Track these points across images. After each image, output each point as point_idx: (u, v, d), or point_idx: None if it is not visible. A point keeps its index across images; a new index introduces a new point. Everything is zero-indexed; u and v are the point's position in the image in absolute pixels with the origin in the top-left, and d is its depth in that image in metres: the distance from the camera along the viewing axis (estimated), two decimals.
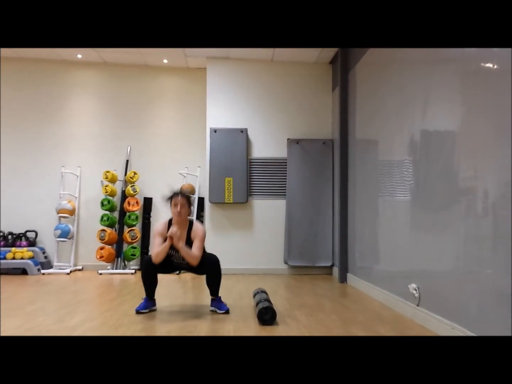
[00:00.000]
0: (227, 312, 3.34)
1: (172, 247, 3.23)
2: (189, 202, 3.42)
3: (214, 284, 3.39)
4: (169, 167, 6.27)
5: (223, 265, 5.72)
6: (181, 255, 3.23)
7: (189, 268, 3.36)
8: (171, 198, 3.40)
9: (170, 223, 3.41)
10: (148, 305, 3.39)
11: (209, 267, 3.34)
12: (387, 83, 3.87)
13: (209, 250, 5.78)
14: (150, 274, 3.33)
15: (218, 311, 3.37)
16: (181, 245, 3.18)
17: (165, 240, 3.23)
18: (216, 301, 3.42)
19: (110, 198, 5.91)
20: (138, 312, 3.30)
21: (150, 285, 3.37)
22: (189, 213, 3.51)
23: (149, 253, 3.39)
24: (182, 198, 3.36)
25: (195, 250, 3.26)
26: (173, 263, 3.39)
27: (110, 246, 5.79)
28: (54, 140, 6.22)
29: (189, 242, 3.33)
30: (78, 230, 6.13)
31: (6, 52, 5.95)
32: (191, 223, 3.42)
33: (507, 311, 2.09)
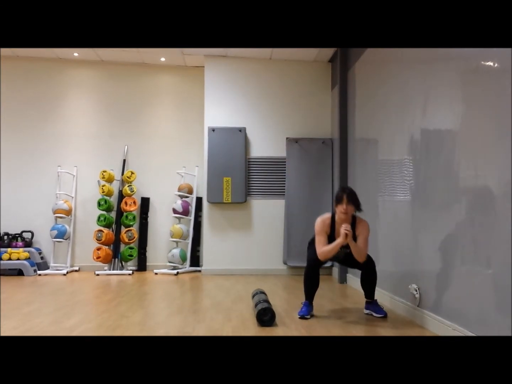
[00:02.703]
0: (385, 316, 3.22)
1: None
2: (355, 201, 3.20)
3: (370, 286, 3.32)
4: (167, 167, 6.23)
5: (221, 266, 5.68)
6: (351, 251, 3.13)
7: (349, 263, 3.31)
8: (337, 197, 3.21)
9: (333, 219, 3.25)
10: (310, 309, 3.27)
11: (367, 267, 3.27)
12: (387, 82, 3.84)
13: (207, 250, 5.83)
14: (315, 273, 3.26)
15: (375, 314, 3.26)
16: (352, 241, 3.10)
17: (329, 237, 3.19)
18: (373, 304, 3.33)
19: (107, 198, 5.86)
20: (302, 317, 3.17)
21: (312, 286, 3.29)
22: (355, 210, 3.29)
23: (312, 256, 3.29)
24: (348, 198, 3.14)
25: (362, 246, 3.16)
26: (334, 259, 3.33)
27: (107, 247, 5.74)
28: (50, 140, 6.16)
29: (352, 237, 3.16)
30: (74, 231, 6.08)
31: (3, 50, 5.89)
32: (354, 217, 3.26)
33: (508, 311, 2.06)
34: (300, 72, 5.97)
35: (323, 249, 3.17)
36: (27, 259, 5.58)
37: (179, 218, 5.94)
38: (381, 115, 3.97)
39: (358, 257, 3.15)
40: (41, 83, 6.20)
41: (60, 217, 5.85)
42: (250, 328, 2.89)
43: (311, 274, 3.27)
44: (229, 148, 5.76)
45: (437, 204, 2.85)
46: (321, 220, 3.27)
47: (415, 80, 3.23)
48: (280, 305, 3.61)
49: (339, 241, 3.10)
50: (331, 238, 3.22)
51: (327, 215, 3.32)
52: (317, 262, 3.23)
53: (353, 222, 3.23)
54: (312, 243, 3.35)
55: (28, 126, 6.14)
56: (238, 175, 5.72)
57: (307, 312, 3.22)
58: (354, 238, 3.18)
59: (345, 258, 3.29)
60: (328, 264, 5.61)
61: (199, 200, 6.13)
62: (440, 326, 2.73)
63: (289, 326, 2.96)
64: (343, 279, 5.03)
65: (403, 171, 3.42)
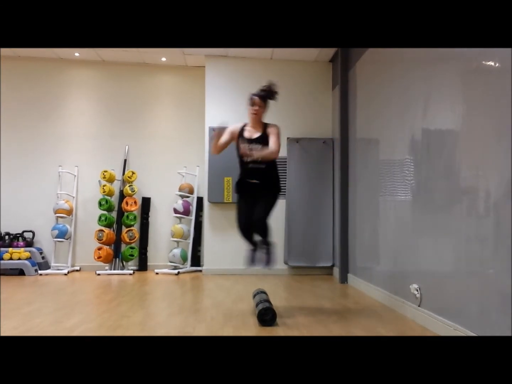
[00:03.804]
0: (266, 266, 3.30)
1: (246, 142, 3.32)
2: (266, 103, 3.40)
3: (260, 230, 3.38)
4: (168, 167, 6.23)
5: (222, 266, 5.64)
6: (261, 155, 3.25)
7: (260, 178, 3.34)
8: (249, 100, 3.40)
9: (244, 126, 3.45)
10: (254, 254, 3.39)
11: (259, 222, 3.33)
12: (387, 82, 3.84)
13: (208, 250, 5.83)
14: (248, 233, 3.37)
15: (262, 264, 3.33)
16: (262, 154, 3.28)
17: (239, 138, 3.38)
18: (265, 250, 3.36)
19: (108, 198, 5.86)
20: (251, 265, 3.37)
21: (249, 238, 3.39)
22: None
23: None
24: (259, 98, 3.36)
25: (272, 144, 3.31)
26: (247, 171, 3.35)
27: (108, 247, 5.75)
28: (51, 140, 6.17)
29: (265, 144, 3.32)
30: (75, 230, 6.09)
31: (3, 50, 5.89)
32: (266, 125, 3.42)
33: (508, 311, 2.06)
34: (301, 72, 5.96)
35: (218, 141, 3.45)
36: (28, 258, 5.58)
37: (180, 218, 5.94)
38: (382, 115, 3.97)
39: (270, 156, 3.30)
40: (42, 83, 6.20)
41: (61, 217, 5.86)
42: (251, 328, 2.88)
43: (245, 234, 3.40)
44: (230, 148, 5.74)
45: (438, 204, 2.85)
46: (233, 126, 3.49)
47: (415, 80, 3.22)
48: (281, 305, 3.61)
49: (226, 139, 3.44)
50: (239, 143, 3.40)
51: (241, 123, 3.49)
52: (247, 225, 3.37)
53: (265, 127, 3.40)
54: (238, 204, 3.47)
55: (29, 126, 6.14)
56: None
57: (253, 259, 3.37)
58: (266, 140, 3.32)
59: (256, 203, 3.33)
60: (329, 264, 5.63)
61: (200, 200, 6.13)
62: (441, 326, 2.72)
63: (290, 326, 2.96)
64: (344, 279, 5.03)
65: (404, 171, 3.41)
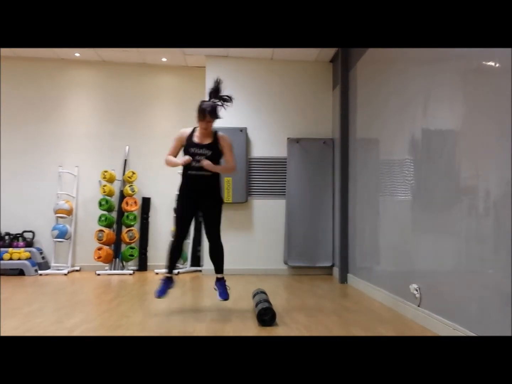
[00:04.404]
0: (224, 300, 3.34)
1: (195, 146, 3.31)
2: (216, 114, 3.40)
3: (217, 261, 3.51)
4: (168, 167, 6.21)
5: None
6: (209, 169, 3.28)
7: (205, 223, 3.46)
8: (199, 107, 3.39)
9: (194, 131, 3.42)
10: (169, 285, 3.41)
11: (214, 241, 3.49)
12: (388, 82, 3.84)
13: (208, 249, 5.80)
14: (179, 247, 3.47)
15: (217, 296, 3.36)
16: (218, 166, 3.35)
17: (182, 147, 3.38)
18: (221, 283, 3.42)
19: (108, 198, 5.87)
20: (159, 297, 3.36)
21: (176, 258, 3.49)
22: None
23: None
24: (210, 111, 3.34)
25: (230, 162, 3.43)
26: (192, 177, 3.33)
27: (108, 247, 5.75)
28: (51, 140, 6.17)
29: (215, 151, 3.34)
30: (75, 231, 6.08)
31: (4, 50, 5.90)
32: (215, 133, 3.42)
33: (508, 311, 2.06)
34: (301, 72, 5.96)
35: (168, 157, 3.50)
36: (28, 259, 5.58)
37: None
38: (382, 115, 3.97)
39: (228, 172, 3.56)
40: (42, 83, 6.21)
41: (61, 217, 5.86)
42: (251, 328, 2.89)
43: (176, 248, 3.50)
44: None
45: (438, 203, 2.85)
46: (181, 131, 3.48)
47: (416, 80, 3.22)
48: (280, 305, 3.61)
49: (178, 161, 3.39)
50: (188, 147, 3.36)
51: (190, 128, 3.48)
52: (182, 238, 3.48)
53: (215, 136, 3.40)
54: (178, 210, 3.50)
55: (30, 126, 6.14)
56: (239, 175, 5.71)
57: (163, 292, 3.37)
58: (219, 152, 3.38)
59: (203, 217, 3.48)
60: (328, 263, 5.63)
61: None
62: (441, 326, 2.72)
63: (289, 326, 2.96)
64: (343, 279, 5.03)
65: (404, 171, 3.42)
